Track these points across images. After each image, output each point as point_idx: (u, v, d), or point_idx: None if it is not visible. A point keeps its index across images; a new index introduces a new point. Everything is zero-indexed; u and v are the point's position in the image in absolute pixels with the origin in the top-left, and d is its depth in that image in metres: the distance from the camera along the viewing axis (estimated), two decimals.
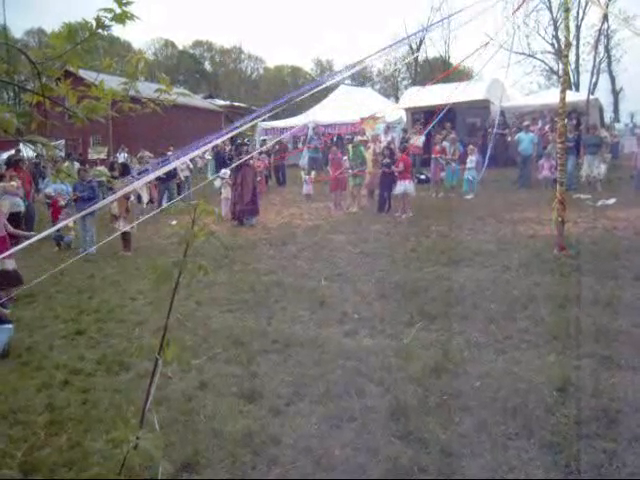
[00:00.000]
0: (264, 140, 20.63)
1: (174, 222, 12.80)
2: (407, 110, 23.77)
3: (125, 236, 10.84)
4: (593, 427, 3.90)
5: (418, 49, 48.89)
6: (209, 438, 4.04)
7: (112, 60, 2.66)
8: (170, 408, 4.48)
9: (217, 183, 15.21)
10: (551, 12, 38.79)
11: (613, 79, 43.38)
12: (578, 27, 40.62)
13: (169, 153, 19.70)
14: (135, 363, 5.31)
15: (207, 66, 73.40)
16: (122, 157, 21.39)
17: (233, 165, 13.36)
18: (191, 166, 19.57)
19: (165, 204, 15.30)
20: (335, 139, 23.24)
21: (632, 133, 19.68)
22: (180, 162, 13.63)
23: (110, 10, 2.38)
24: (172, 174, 16.77)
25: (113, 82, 2.58)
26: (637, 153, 15.49)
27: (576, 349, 5.14)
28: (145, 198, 15.24)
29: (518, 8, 10.00)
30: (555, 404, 4.22)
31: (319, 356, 5.34)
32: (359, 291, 7.34)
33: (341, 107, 26.52)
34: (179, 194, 16.53)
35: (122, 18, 2.42)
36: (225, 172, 14.23)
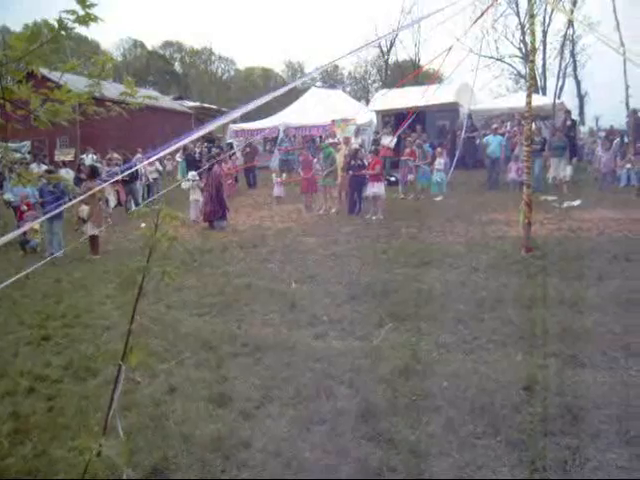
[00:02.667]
0: (230, 143, 20.49)
1: (143, 225, 12.65)
2: (378, 112, 23.92)
3: (93, 239, 10.69)
4: (558, 424, 3.98)
5: (388, 52, 49.29)
6: (178, 443, 4.00)
7: (78, 61, 2.62)
8: (139, 413, 4.43)
9: (185, 185, 15.09)
10: (519, 17, 39.49)
11: (578, 83, 44.26)
12: (545, 32, 41.40)
13: (137, 155, 19.51)
14: (103, 368, 5.23)
15: (177, 67, 72.71)
16: (89, 159, 21.04)
17: (204, 168, 13.31)
18: (160, 168, 19.38)
19: (133, 206, 15.13)
20: (307, 141, 23.29)
21: (597, 136, 20.15)
22: (147, 163, 13.51)
23: (73, 12, 2.35)
24: (135, 176, 16.60)
25: (81, 83, 2.55)
26: (601, 156, 15.88)
27: (542, 348, 5.24)
28: (112, 202, 15.04)
29: (483, 13, 10.14)
30: (521, 403, 4.29)
31: (289, 359, 5.34)
32: (329, 293, 7.36)
33: (312, 109, 26.58)
34: (149, 196, 16.37)
35: (85, 20, 2.39)
36: (194, 174, 14.14)
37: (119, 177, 12.54)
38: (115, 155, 18.96)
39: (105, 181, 14.10)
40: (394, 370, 4.92)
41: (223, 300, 7.39)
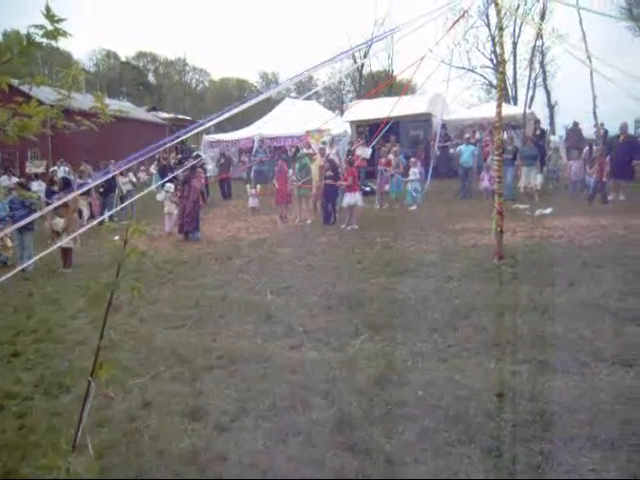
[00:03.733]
0: (197, 155, 20.31)
1: (117, 237, 12.49)
2: (352, 123, 24.09)
3: (66, 252, 10.55)
4: (531, 430, 4.03)
5: (362, 62, 49.68)
6: (153, 458, 3.97)
7: (47, 74, 2.61)
8: (112, 429, 4.38)
9: (160, 196, 15.00)
10: (489, 29, 40.11)
11: (548, 93, 45.13)
12: (515, 44, 42.24)
13: (110, 167, 19.31)
14: (75, 384, 5.16)
15: (151, 78, 72.38)
16: (61, 171, 20.79)
17: (177, 179, 13.24)
18: (134, 180, 19.23)
19: (107, 219, 14.94)
20: (278, 152, 23.35)
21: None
22: (117, 172, 13.39)
23: (41, 27, 2.34)
24: (111, 188, 16.46)
25: (54, 95, 2.53)
26: (571, 164, 16.20)
27: (514, 355, 5.31)
28: (86, 214, 14.88)
29: (453, 25, 10.32)
30: (495, 409, 4.34)
31: (264, 371, 5.33)
32: (305, 304, 7.37)
33: (287, 120, 26.64)
34: (122, 209, 16.20)
35: (54, 35, 2.38)
36: (169, 186, 14.06)
37: (92, 185, 12.39)
38: (88, 167, 18.78)
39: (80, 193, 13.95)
40: (369, 380, 4.95)
41: (198, 312, 7.35)
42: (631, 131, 16.99)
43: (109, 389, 4.87)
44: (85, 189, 11.84)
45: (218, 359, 5.71)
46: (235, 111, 6.27)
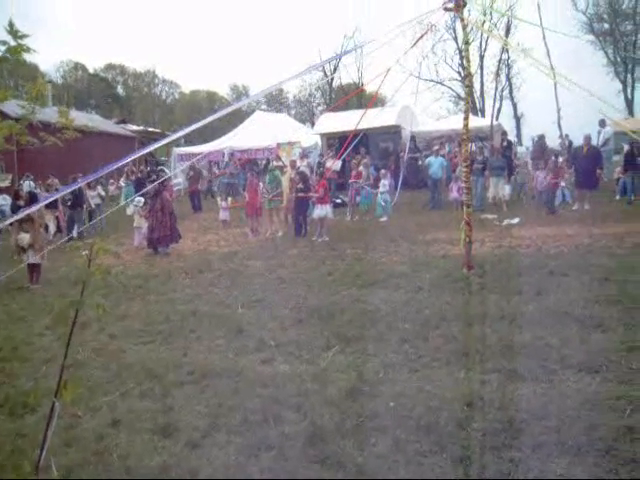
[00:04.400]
0: (161, 170, 20.09)
1: (85, 252, 12.32)
2: (322, 135, 24.23)
3: (33, 268, 10.35)
4: (501, 438, 4.08)
5: (332, 75, 50.06)
6: (123, 477, 3.90)
7: (12, 86, 2.59)
8: (80, 449, 4.30)
9: (130, 210, 14.85)
10: (456, 42, 40.82)
11: (515, 105, 46.15)
12: (482, 57, 43.09)
13: (78, 180, 19.03)
14: (41, 404, 5.04)
15: (120, 90, 71.75)
16: (27, 185, 20.40)
17: (145, 192, 13.10)
18: (102, 194, 18.99)
19: (75, 235, 14.74)
20: (251, 164, 23.33)
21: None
22: (84, 184, 13.20)
23: (4, 42, 2.33)
24: (78, 202, 16.23)
25: (19, 107, 2.51)
26: (537, 175, 16.53)
27: (484, 364, 5.37)
28: (52, 228, 14.63)
29: (419, 39, 10.49)
30: (465, 419, 4.38)
31: (236, 385, 5.29)
32: (276, 317, 7.35)
33: (257, 132, 26.68)
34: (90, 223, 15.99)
35: (17, 51, 2.37)
36: (139, 200, 13.93)
37: (57, 196, 12.19)
38: (56, 181, 18.49)
39: (46, 206, 13.71)
40: (341, 392, 4.95)
41: (168, 327, 7.27)
42: (594, 137, 17.43)
43: (77, 408, 4.79)
44: (49, 201, 11.63)
45: (189, 374, 5.65)
46: (203, 123, 6.25)
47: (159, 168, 20.97)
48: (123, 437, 4.48)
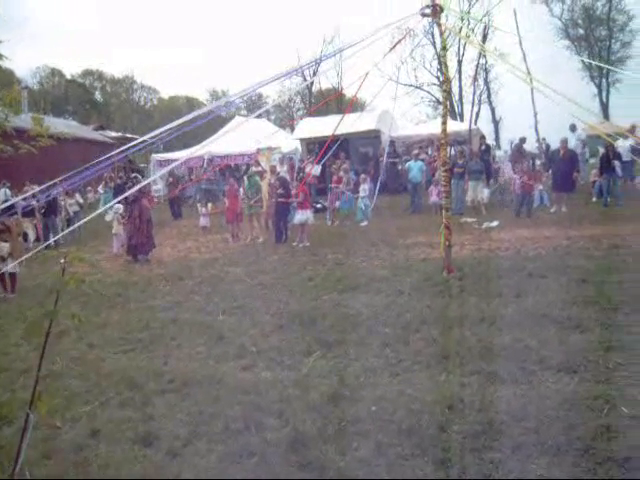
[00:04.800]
0: (135, 177, 19.84)
1: (63, 260, 12.17)
2: (302, 141, 24.22)
3: (10, 277, 10.19)
4: (481, 440, 4.11)
5: (312, 80, 50.16)
6: None
7: None
8: (58, 460, 4.23)
9: (108, 217, 14.71)
10: (435, 47, 41.22)
11: (493, 109, 46.70)
12: (460, 62, 43.65)
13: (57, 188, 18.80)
14: (17, 416, 4.96)
15: (98, 96, 71.09)
16: (2, 193, 20.11)
17: (122, 199, 12.97)
18: (81, 201, 18.79)
19: (52, 243, 14.52)
20: (231, 170, 23.25)
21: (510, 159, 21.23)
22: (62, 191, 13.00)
23: None
24: (52, 209, 16.04)
25: None
26: (514, 178, 16.72)
27: (464, 367, 5.41)
28: (32, 236, 14.44)
29: (396, 44, 10.57)
30: (446, 421, 4.40)
31: (217, 392, 5.26)
32: (257, 323, 7.33)
33: (237, 138, 26.56)
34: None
35: None
36: (118, 207, 13.80)
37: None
38: (34, 187, 18.22)
39: (24, 214, 13.54)
40: (323, 397, 4.95)
41: (148, 335, 7.21)
42: (571, 140, 17.68)
43: (55, 419, 4.72)
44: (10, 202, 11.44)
45: (169, 382, 5.61)
46: (173, 125, 6.21)
47: (133, 175, 20.72)
48: (103, 447, 4.43)
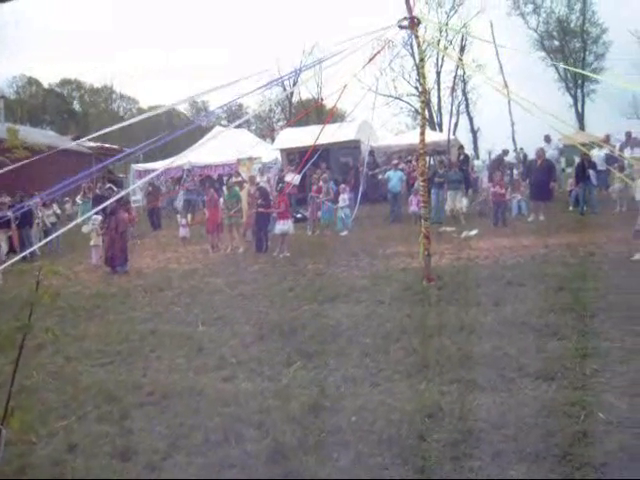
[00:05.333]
0: (109, 188, 19.59)
1: (37, 273, 12.00)
2: (282, 151, 24.25)
3: None
4: (461, 448, 4.13)
5: (291, 91, 50.31)
6: None
7: None
8: (34, 476, 4.16)
9: (86, 228, 14.54)
10: (414, 58, 41.53)
11: (471, 120, 47.24)
12: (438, 73, 44.17)
13: (34, 198, 18.58)
14: None
15: (76, 106, 70.45)
16: None
17: (104, 207, 12.86)
18: (58, 212, 18.57)
19: (27, 253, 14.31)
20: (212, 180, 23.18)
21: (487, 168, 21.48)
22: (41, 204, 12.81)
23: None
24: (27, 221, 15.85)
25: None
26: (489, 187, 16.93)
27: (444, 375, 5.43)
28: (4, 248, 14.23)
29: (375, 55, 10.65)
30: (427, 430, 4.42)
31: (197, 404, 5.22)
32: (237, 334, 7.29)
33: (217, 148, 26.51)
34: (47, 243, 15.56)
35: None
36: (96, 218, 13.67)
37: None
38: (8, 199, 17.99)
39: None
40: (303, 408, 4.93)
41: (127, 347, 7.12)
42: (548, 150, 17.92)
43: (31, 434, 4.64)
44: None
45: (148, 395, 5.55)
46: (134, 118, 6.18)
47: (107, 186, 20.51)
48: (80, 462, 4.36)
